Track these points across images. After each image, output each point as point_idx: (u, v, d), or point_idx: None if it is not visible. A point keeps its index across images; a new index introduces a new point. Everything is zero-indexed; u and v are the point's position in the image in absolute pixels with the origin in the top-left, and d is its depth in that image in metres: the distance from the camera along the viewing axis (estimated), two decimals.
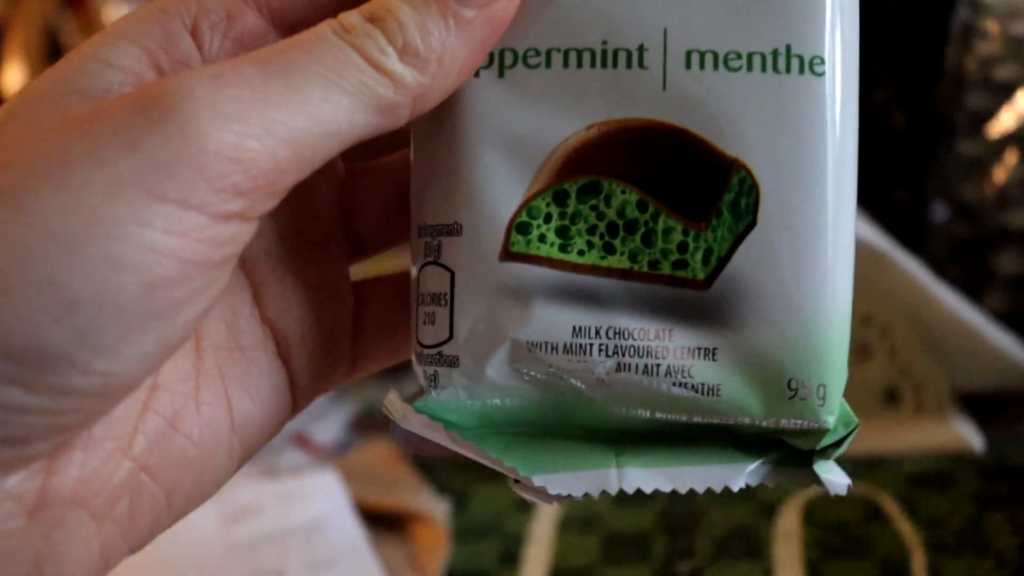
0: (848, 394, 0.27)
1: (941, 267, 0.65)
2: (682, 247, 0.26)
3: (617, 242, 0.26)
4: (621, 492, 0.26)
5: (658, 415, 0.27)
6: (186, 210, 0.22)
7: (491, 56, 0.26)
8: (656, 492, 0.26)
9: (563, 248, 0.26)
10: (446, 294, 0.27)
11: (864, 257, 0.60)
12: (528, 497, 0.26)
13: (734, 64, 0.26)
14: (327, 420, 0.71)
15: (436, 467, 0.64)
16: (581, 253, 0.26)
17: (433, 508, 0.60)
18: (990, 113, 0.68)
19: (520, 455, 0.26)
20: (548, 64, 0.26)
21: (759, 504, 0.57)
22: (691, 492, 0.26)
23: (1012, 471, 0.58)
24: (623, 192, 0.26)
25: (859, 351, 0.61)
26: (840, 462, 0.26)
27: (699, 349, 0.26)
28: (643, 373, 0.26)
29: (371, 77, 0.23)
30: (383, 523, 0.59)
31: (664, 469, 0.26)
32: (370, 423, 0.71)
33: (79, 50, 0.24)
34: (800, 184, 0.26)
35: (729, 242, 0.26)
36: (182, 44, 0.25)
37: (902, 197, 0.74)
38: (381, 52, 0.24)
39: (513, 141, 0.26)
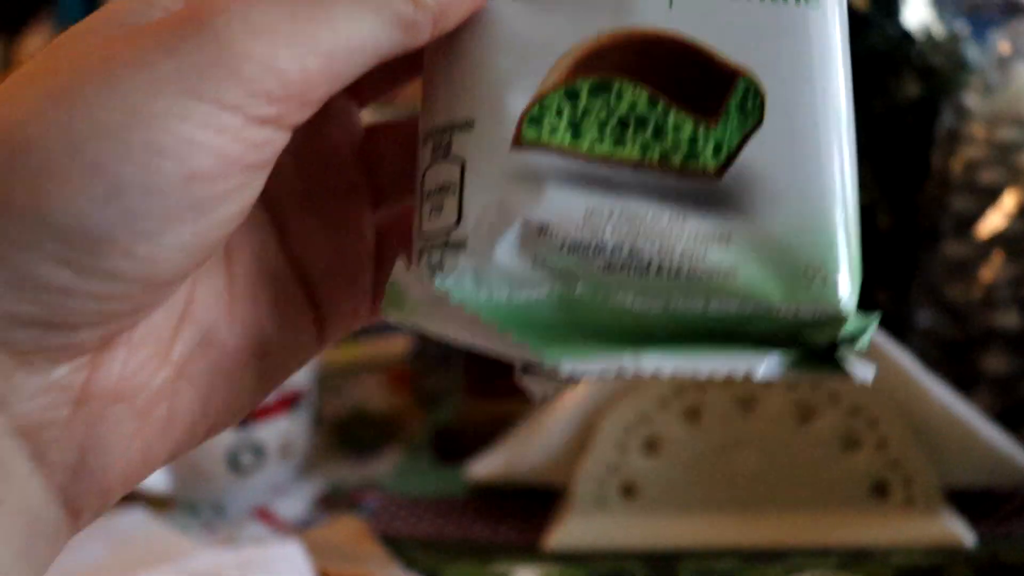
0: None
1: (928, 368, 0.64)
2: (692, 141, 0.27)
3: (628, 136, 0.27)
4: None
5: (673, 305, 0.26)
6: (222, 110, 0.23)
7: None
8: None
9: (574, 139, 0.27)
10: (455, 183, 0.27)
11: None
12: (537, 389, 0.26)
13: None
14: (291, 496, 0.68)
15: (405, 545, 0.61)
16: (592, 144, 0.27)
17: None
18: (975, 215, 0.68)
19: (532, 343, 0.25)
20: None
21: None
22: None
23: (1006, 569, 0.56)
24: (634, 89, 0.27)
25: (847, 442, 0.60)
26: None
27: (713, 235, 0.26)
28: (656, 257, 0.26)
29: None
30: None
31: (683, 356, 0.26)
32: (336, 501, 0.68)
33: None
34: (803, 91, 0.27)
35: (738, 138, 0.27)
36: None
37: (885, 300, 0.74)
38: None
39: (525, 46, 0.27)
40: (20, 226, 0.23)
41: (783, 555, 0.58)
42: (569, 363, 0.25)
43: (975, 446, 0.60)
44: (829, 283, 0.26)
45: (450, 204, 0.27)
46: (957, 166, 0.69)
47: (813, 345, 0.27)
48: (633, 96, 0.27)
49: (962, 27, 0.77)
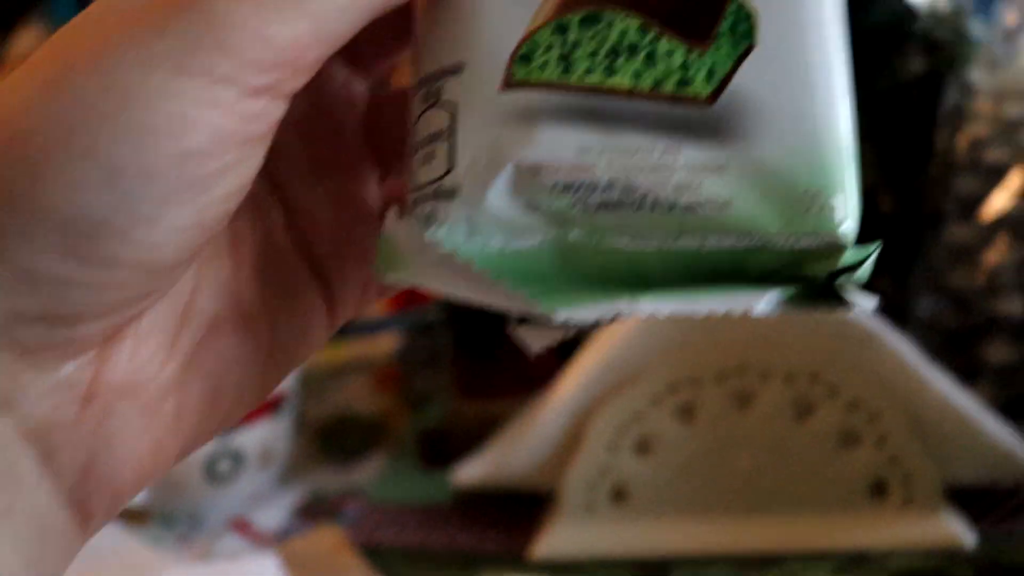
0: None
1: (928, 358, 0.61)
2: (684, 66, 0.26)
3: (620, 63, 0.26)
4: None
5: (668, 243, 0.26)
6: (215, 83, 0.23)
7: None
8: None
9: (565, 72, 0.26)
10: (446, 130, 0.27)
11: (851, 338, 0.58)
12: (532, 339, 0.25)
13: None
14: (270, 505, 0.66)
15: (387, 555, 0.59)
16: (583, 75, 0.26)
17: None
18: (980, 197, 0.65)
19: (528, 293, 0.25)
20: None
21: None
22: None
23: (1007, 570, 0.54)
24: (624, 18, 0.26)
25: (845, 439, 0.57)
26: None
27: (707, 165, 0.26)
28: (651, 191, 0.26)
29: None
30: None
31: (680, 298, 0.25)
32: (316, 510, 0.66)
33: None
34: (795, 14, 0.26)
35: (731, 62, 0.26)
36: None
37: (886, 287, 0.71)
38: None
39: None
40: (19, 219, 0.23)
41: (779, 560, 0.56)
42: (564, 311, 0.24)
43: (977, 441, 0.58)
44: (827, 208, 0.26)
45: (441, 152, 0.27)
46: (962, 145, 0.66)
47: (813, 277, 0.26)
48: (624, 24, 0.26)
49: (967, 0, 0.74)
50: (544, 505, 0.62)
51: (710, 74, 0.26)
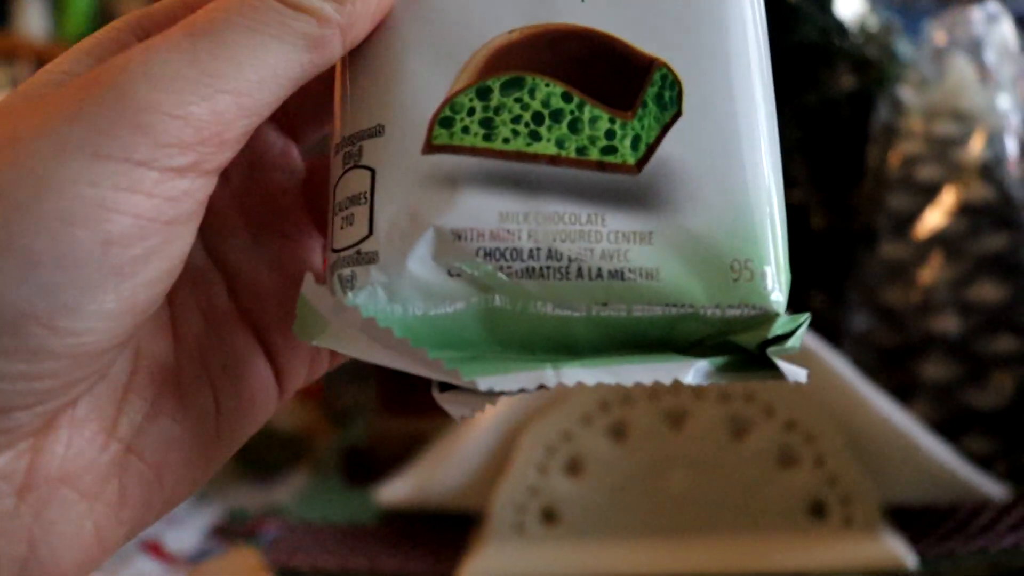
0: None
1: (864, 376, 0.60)
2: (609, 134, 0.26)
3: (543, 130, 0.26)
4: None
5: (594, 312, 0.25)
6: (134, 167, 0.23)
7: None
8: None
9: (487, 137, 0.26)
10: (366, 192, 0.26)
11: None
12: (453, 408, 0.24)
13: None
14: (183, 526, 0.63)
15: None
16: (506, 141, 0.26)
17: None
18: (913, 214, 0.65)
19: (448, 361, 0.24)
20: None
21: None
22: None
23: None
24: (547, 85, 0.26)
25: (783, 459, 0.56)
26: None
27: (634, 233, 0.25)
28: (576, 259, 0.25)
29: (292, 17, 0.24)
30: None
31: (606, 367, 0.24)
32: (233, 530, 0.63)
33: (44, 67, 0.26)
34: (721, 80, 0.26)
35: (657, 131, 0.26)
36: None
37: (819, 303, 0.71)
38: None
39: (435, 47, 0.26)
40: None
41: None
42: (486, 380, 0.23)
43: (915, 460, 0.57)
44: (756, 279, 0.25)
45: (361, 215, 0.26)
46: (894, 162, 0.66)
47: (743, 347, 0.26)
48: (547, 91, 0.26)
49: (895, 18, 0.74)
50: (472, 526, 0.60)
51: (635, 142, 0.26)
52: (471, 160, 0.26)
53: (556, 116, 0.26)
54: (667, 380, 0.24)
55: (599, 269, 0.25)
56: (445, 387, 0.25)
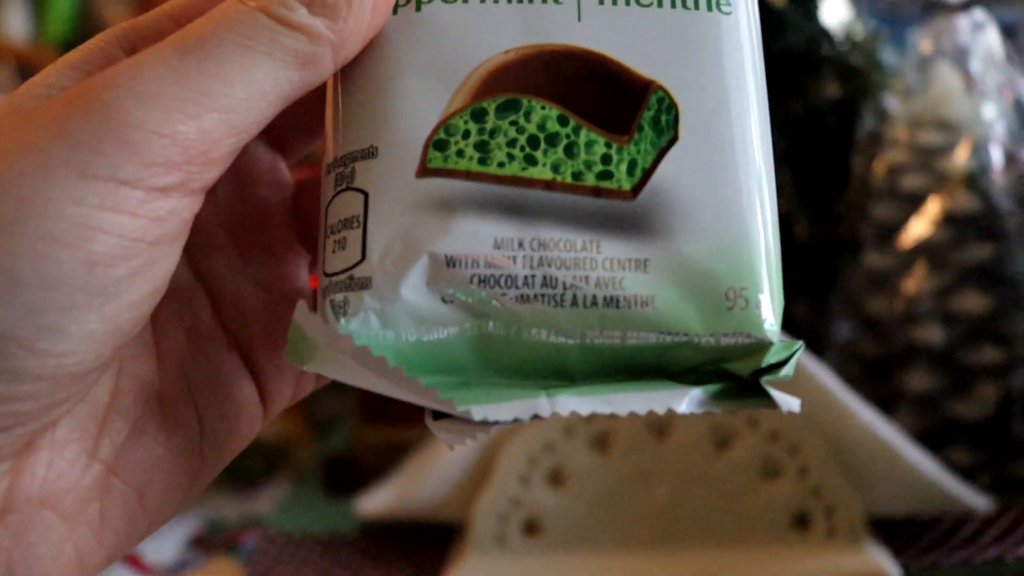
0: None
1: (846, 386, 0.60)
2: (605, 159, 0.26)
3: (539, 154, 0.25)
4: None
5: (589, 339, 0.25)
6: (119, 186, 0.22)
7: None
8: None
9: (482, 161, 0.25)
10: (359, 216, 0.25)
11: None
12: (445, 436, 0.24)
13: (645, 1, 0.26)
14: (162, 537, 0.63)
15: None
16: (501, 165, 0.25)
17: None
18: (897, 224, 0.64)
19: (441, 389, 0.23)
20: None
21: None
22: None
23: None
24: (543, 108, 0.26)
25: (766, 470, 0.56)
26: None
27: (630, 260, 0.25)
28: (571, 286, 0.25)
29: (283, 34, 0.24)
30: None
31: (600, 396, 0.24)
32: (212, 541, 0.63)
33: (30, 80, 0.26)
34: (718, 103, 0.26)
35: (653, 155, 0.25)
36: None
37: (802, 312, 0.70)
38: (287, 8, 0.24)
39: (429, 67, 0.26)
40: None
41: None
42: (480, 409, 0.23)
43: (899, 471, 0.56)
44: (751, 308, 0.25)
45: (353, 239, 0.26)
46: (878, 171, 0.66)
47: (737, 374, 0.25)
48: (542, 114, 0.26)
49: (881, 26, 0.74)
50: (453, 537, 0.59)
51: (632, 167, 0.26)
52: (466, 184, 0.25)
53: (552, 140, 0.26)
54: (661, 410, 0.24)
55: (594, 297, 0.25)
56: (438, 415, 0.24)
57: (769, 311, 0.25)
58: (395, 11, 0.26)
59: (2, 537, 0.24)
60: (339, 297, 0.25)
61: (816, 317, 0.69)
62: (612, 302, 0.25)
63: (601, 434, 0.56)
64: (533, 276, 0.25)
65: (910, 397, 0.62)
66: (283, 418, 0.75)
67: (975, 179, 0.62)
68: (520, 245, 0.25)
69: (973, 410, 0.61)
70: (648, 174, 0.25)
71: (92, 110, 0.23)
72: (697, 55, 0.26)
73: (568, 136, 0.26)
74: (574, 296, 0.25)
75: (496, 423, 0.23)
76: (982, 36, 0.66)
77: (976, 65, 0.65)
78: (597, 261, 0.25)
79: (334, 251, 0.26)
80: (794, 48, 0.71)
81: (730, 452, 0.56)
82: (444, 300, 0.25)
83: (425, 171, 0.25)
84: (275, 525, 0.64)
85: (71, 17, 1.30)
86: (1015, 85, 0.65)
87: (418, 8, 0.26)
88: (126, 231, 0.23)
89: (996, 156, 0.63)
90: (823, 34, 0.72)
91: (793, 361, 0.25)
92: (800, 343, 0.26)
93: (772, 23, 0.68)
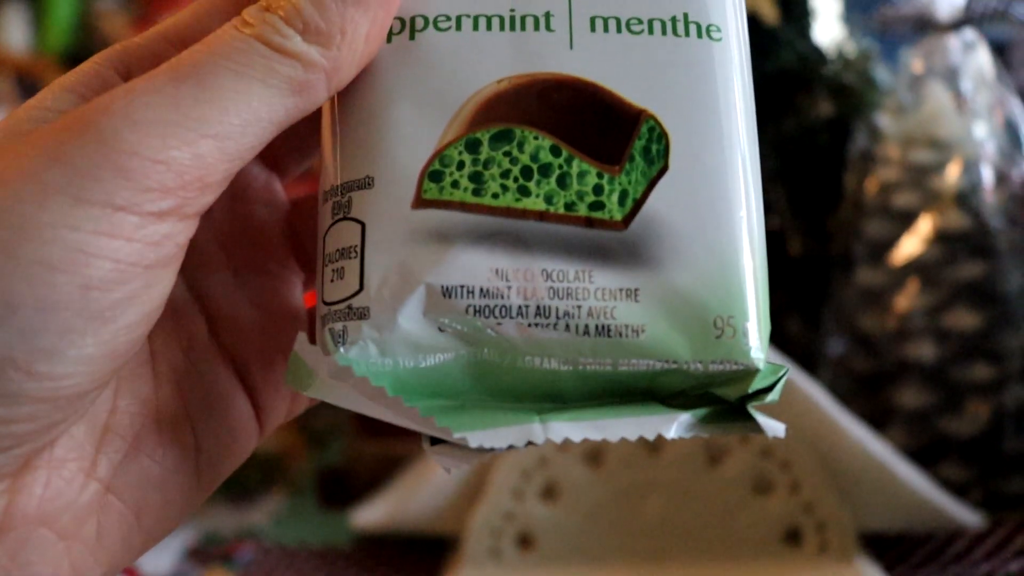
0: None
1: (838, 402, 0.60)
2: (597, 189, 0.26)
3: (532, 185, 0.26)
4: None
5: (581, 365, 0.25)
6: (115, 211, 0.23)
7: (402, 22, 0.27)
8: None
9: (477, 192, 0.26)
10: (356, 246, 0.26)
11: None
12: (443, 461, 0.24)
13: (636, 28, 0.27)
14: (159, 549, 0.63)
15: None
16: (495, 196, 0.26)
17: None
18: (889, 241, 0.65)
19: (438, 416, 0.24)
20: (458, 27, 0.26)
21: None
22: None
23: None
24: (536, 138, 0.26)
25: (758, 485, 0.56)
26: None
27: (621, 290, 0.25)
28: (564, 316, 0.25)
29: (277, 61, 0.24)
30: None
31: (591, 422, 0.25)
32: (208, 553, 0.63)
33: (26, 104, 0.26)
34: (708, 132, 0.26)
35: (644, 185, 0.26)
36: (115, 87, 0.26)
37: (795, 328, 0.71)
38: (282, 36, 0.24)
39: (424, 96, 0.26)
40: None
41: None
42: (476, 436, 0.24)
43: (890, 487, 0.57)
44: (738, 336, 0.26)
45: (351, 269, 0.26)
46: (871, 189, 0.66)
47: (724, 399, 0.26)
48: (536, 145, 0.26)
49: (873, 45, 0.75)
50: (447, 550, 0.59)
51: (623, 197, 0.26)
52: (461, 216, 0.26)
53: (545, 170, 0.26)
54: (651, 435, 0.25)
55: (587, 326, 0.25)
56: (435, 440, 0.25)
57: (756, 338, 0.26)
58: (389, 39, 0.27)
59: (2, 554, 0.25)
60: (338, 326, 0.26)
61: (808, 333, 0.70)
62: (604, 331, 0.25)
63: (594, 449, 0.57)
64: (527, 306, 0.25)
65: (902, 413, 0.63)
66: (279, 431, 0.75)
67: (966, 197, 0.63)
68: (514, 276, 0.25)
69: (965, 427, 0.61)
70: (639, 204, 0.26)
71: (88, 136, 0.23)
72: (688, 83, 0.26)
73: (561, 167, 0.26)
74: (567, 325, 0.25)
75: (492, 450, 0.24)
76: (973, 55, 0.66)
77: (967, 84, 0.66)
78: (589, 291, 0.26)
79: (332, 280, 0.26)
80: (787, 66, 0.71)
81: (722, 467, 0.56)
82: (440, 329, 0.25)
83: (421, 202, 0.26)
84: (271, 537, 0.64)
85: (70, 29, 1.31)
86: (1006, 104, 0.66)
87: (412, 36, 0.27)
88: (122, 256, 0.23)
89: (987, 175, 0.64)
90: (816, 52, 0.72)
91: (779, 386, 0.26)
92: (786, 368, 0.26)
93: (765, 41, 0.69)
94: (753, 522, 0.56)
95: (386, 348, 0.25)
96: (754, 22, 0.67)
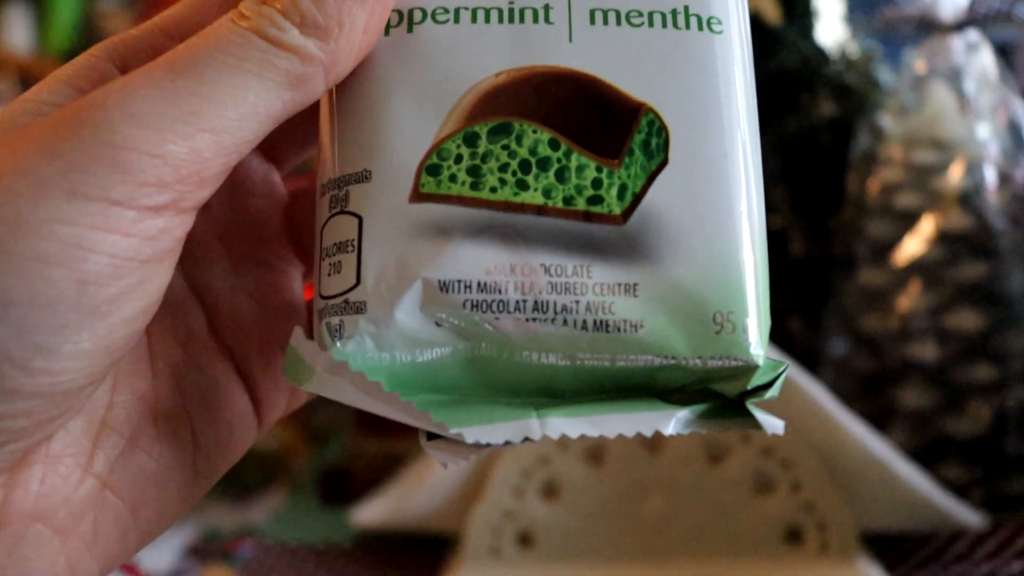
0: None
1: (840, 402, 0.60)
2: (596, 183, 0.26)
3: (530, 179, 0.26)
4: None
5: (579, 360, 0.25)
6: (111, 206, 0.23)
7: (400, 14, 0.27)
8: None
9: (474, 186, 0.26)
10: (353, 240, 0.26)
11: None
12: (440, 456, 0.24)
13: (636, 21, 0.26)
14: (158, 546, 0.63)
15: None
16: (493, 190, 0.26)
17: None
18: (892, 241, 0.65)
19: (435, 411, 0.24)
20: (456, 20, 0.26)
21: None
22: None
23: None
24: (534, 132, 0.26)
25: (759, 485, 0.56)
26: None
27: (619, 285, 0.25)
28: (562, 311, 0.25)
29: (274, 55, 0.24)
30: None
31: (589, 418, 0.24)
32: (209, 550, 0.63)
33: (21, 97, 0.26)
34: (708, 126, 0.26)
35: (643, 179, 0.26)
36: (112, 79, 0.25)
37: (797, 328, 0.71)
38: (279, 29, 0.24)
39: (422, 89, 0.26)
40: None
41: None
42: (472, 432, 0.24)
43: (892, 487, 0.57)
44: (738, 331, 0.25)
45: (348, 263, 0.26)
46: (873, 189, 0.66)
47: (723, 395, 0.26)
48: (534, 138, 0.26)
49: (876, 46, 0.75)
50: (448, 548, 0.59)
51: (622, 191, 0.26)
52: (459, 210, 0.25)
53: (543, 164, 0.26)
54: (649, 432, 0.24)
55: (584, 321, 0.25)
56: (432, 435, 0.25)
57: (755, 334, 0.26)
58: (387, 32, 0.26)
59: None
60: (335, 320, 0.26)
61: (811, 333, 0.70)
62: (602, 326, 0.25)
63: (595, 448, 0.57)
64: (524, 301, 0.25)
65: (904, 413, 0.63)
66: (279, 428, 0.75)
67: (969, 198, 0.63)
68: (512, 270, 0.25)
69: (966, 427, 0.61)
70: (638, 199, 0.26)
71: (84, 130, 0.23)
72: (688, 76, 0.26)
73: (559, 160, 0.26)
74: (565, 320, 0.25)
75: (488, 445, 0.24)
76: (976, 56, 0.66)
77: (970, 85, 0.66)
78: (587, 286, 0.25)
79: (329, 274, 0.26)
80: (790, 66, 0.71)
81: (723, 466, 0.56)
82: (437, 323, 0.25)
83: (418, 196, 0.26)
84: (271, 534, 0.64)
85: (73, 29, 1.31)
86: (1009, 105, 0.66)
87: (410, 29, 0.26)
88: (118, 250, 0.23)
89: (990, 175, 0.64)
90: (819, 53, 0.72)
91: (779, 383, 0.26)
92: (785, 364, 0.26)
93: (768, 41, 0.69)
94: (754, 521, 0.56)
95: (383, 342, 0.25)
96: (757, 22, 0.67)
